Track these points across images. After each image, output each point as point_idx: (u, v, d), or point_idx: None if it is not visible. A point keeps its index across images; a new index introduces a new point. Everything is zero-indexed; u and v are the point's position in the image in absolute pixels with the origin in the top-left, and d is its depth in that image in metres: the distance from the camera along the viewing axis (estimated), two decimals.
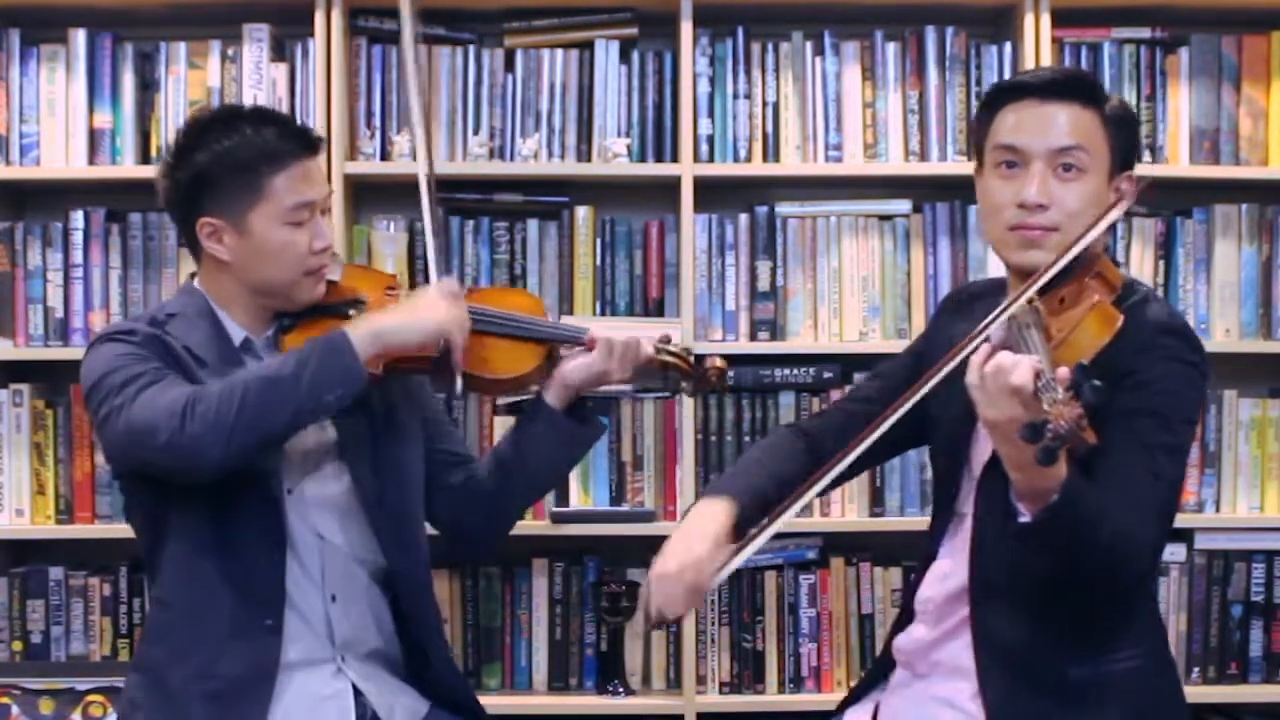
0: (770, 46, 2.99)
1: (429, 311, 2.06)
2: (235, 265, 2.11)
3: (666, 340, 2.26)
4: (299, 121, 2.21)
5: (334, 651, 2.12)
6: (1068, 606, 1.87)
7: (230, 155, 2.08)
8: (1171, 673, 1.99)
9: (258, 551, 2.07)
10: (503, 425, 2.90)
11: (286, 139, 2.11)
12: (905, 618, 2.09)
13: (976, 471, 1.98)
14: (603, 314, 2.95)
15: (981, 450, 1.96)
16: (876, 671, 2.14)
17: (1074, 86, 1.93)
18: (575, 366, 2.20)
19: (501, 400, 2.77)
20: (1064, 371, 1.61)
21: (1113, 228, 2.94)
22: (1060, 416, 1.57)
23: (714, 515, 1.97)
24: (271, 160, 2.08)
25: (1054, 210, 1.89)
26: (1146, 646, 1.92)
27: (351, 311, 2.15)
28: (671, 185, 2.91)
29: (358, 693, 2.12)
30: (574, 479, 2.92)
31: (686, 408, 2.88)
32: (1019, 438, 1.61)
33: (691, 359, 2.25)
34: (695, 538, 1.94)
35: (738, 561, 1.92)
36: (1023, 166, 1.91)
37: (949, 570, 2.00)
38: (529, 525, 2.83)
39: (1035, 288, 1.81)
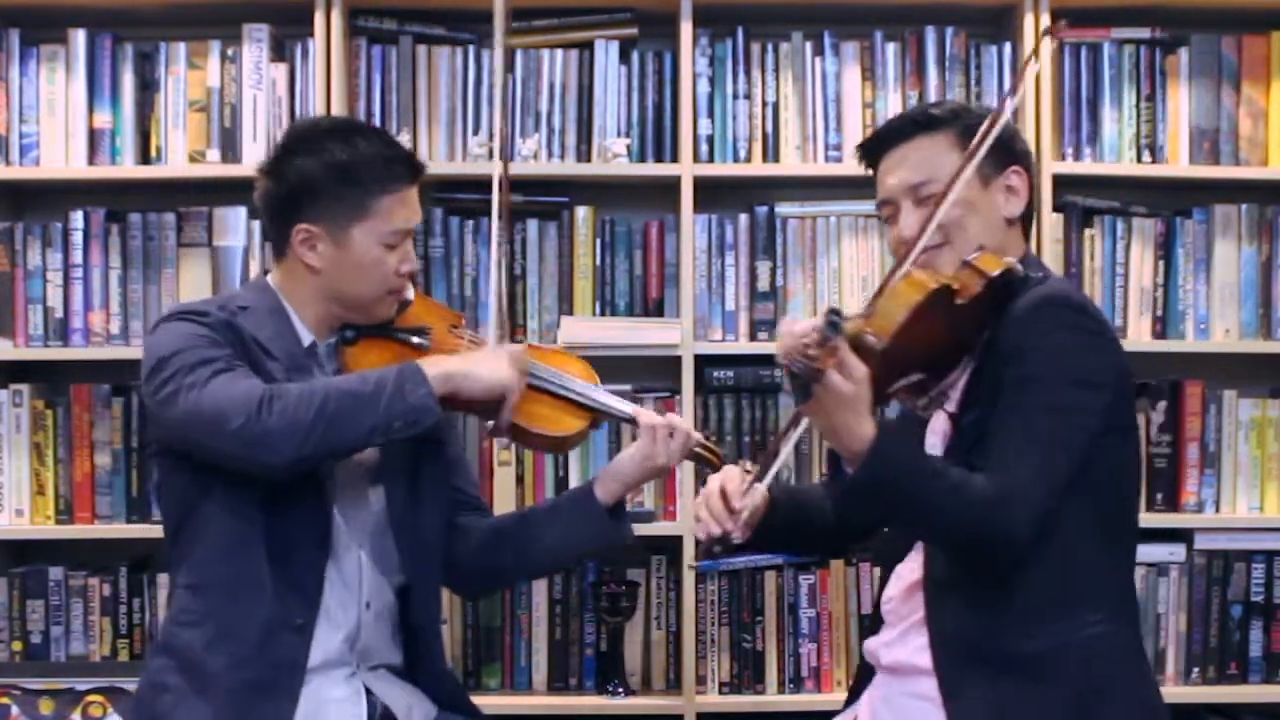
0: (770, 46, 2.99)
1: (496, 368, 2.10)
2: (324, 274, 2.15)
3: (707, 435, 2.37)
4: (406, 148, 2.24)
5: (352, 658, 2.15)
6: (1009, 585, 1.88)
7: (344, 168, 2.12)
8: (1130, 637, 1.97)
9: (302, 551, 2.09)
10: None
11: (398, 163, 2.16)
12: (878, 620, 2.13)
13: None
14: (602, 314, 2.95)
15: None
16: (862, 676, 2.16)
17: (910, 126, 2.05)
18: (626, 458, 2.26)
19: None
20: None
21: (1113, 228, 2.97)
22: (791, 356, 1.71)
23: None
24: (384, 181, 2.13)
25: (934, 233, 1.99)
26: (1104, 613, 1.91)
27: (415, 339, 2.21)
28: (671, 185, 2.91)
29: (368, 694, 2.15)
30: (574, 479, 2.92)
31: (686, 408, 2.88)
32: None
33: (723, 458, 2.33)
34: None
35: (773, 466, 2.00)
36: (897, 213, 2.04)
37: (910, 570, 2.04)
38: None
39: (899, 276, 1.91)
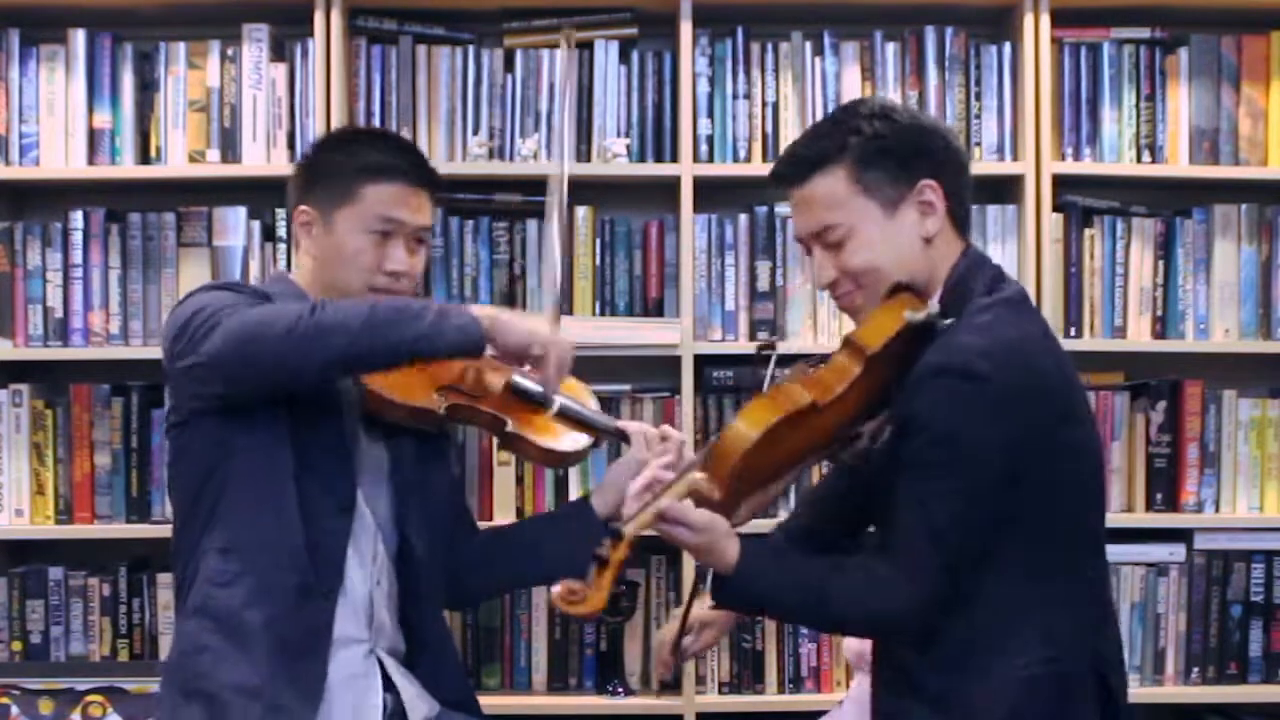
0: (770, 46, 2.99)
1: (538, 322, 2.14)
2: (317, 259, 2.22)
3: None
4: (425, 157, 2.32)
5: (369, 634, 2.17)
6: (943, 624, 1.86)
7: (343, 159, 2.21)
8: (1072, 674, 1.88)
9: (328, 518, 2.11)
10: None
11: (396, 158, 2.22)
12: None
13: None
14: (603, 314, 2.95)
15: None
16: None
17: (803, 167, 1.97)
18: (621, 466, 2.33)
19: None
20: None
21: (1113, 228, 2.97)
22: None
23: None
24: (373, 171, 2.19)
25: (844, 279, 1.97)
26: (1043, 653, 1.85)
27: None
28: (671, 185, 2.91)
29: (384, 677, 2.18)
30: (574, 479, 2.92)
31: (686, 407, 2.88)
32: None
33: None
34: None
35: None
36: (811, 251, 2.01)
37: None
38: None
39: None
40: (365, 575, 2.17)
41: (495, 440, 2.26)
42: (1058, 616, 1.88)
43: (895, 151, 1.93)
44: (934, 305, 1.90)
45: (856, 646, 2.12)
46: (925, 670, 1.88)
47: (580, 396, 2.35)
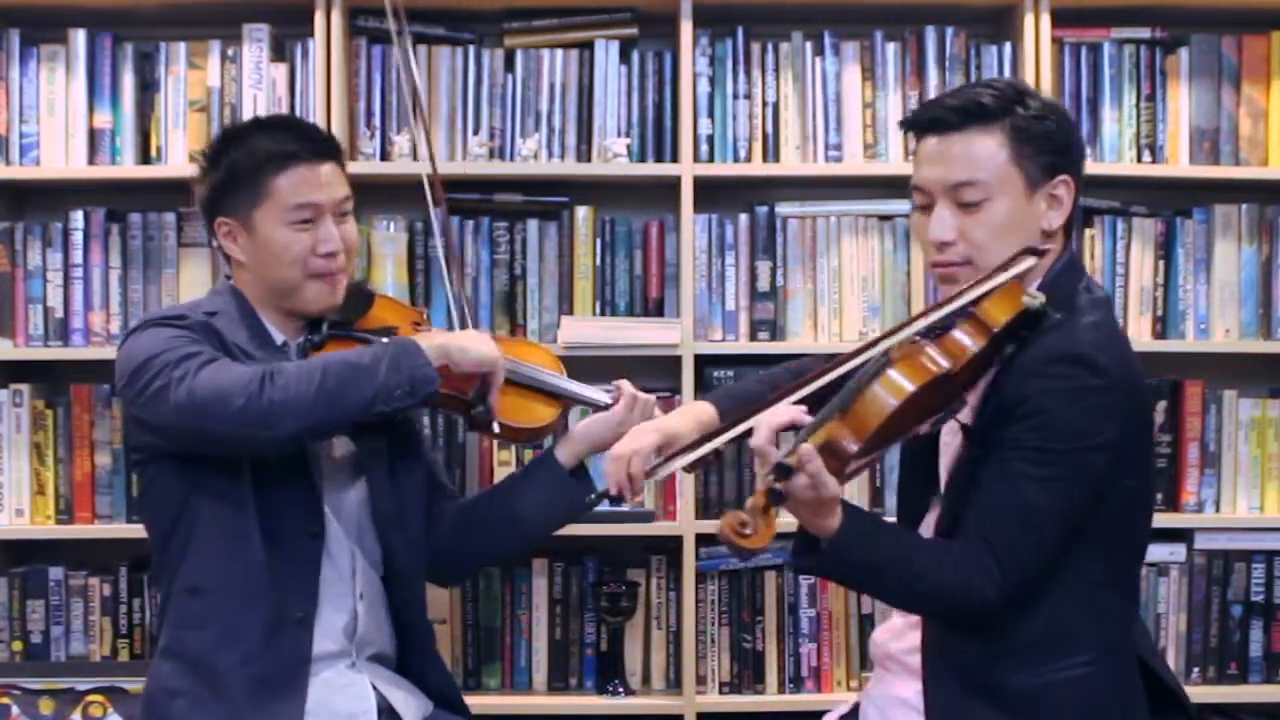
0: (770, 46, 2.99)
1: (484, 343, 2.14)
2: (250, 265, 2.18)
3: None
4: (318, 128, 2.26)
5: (351, 648, 2.17)
6: (1007, 621, 1.85)
7: (243, 159, 2.15)
8: (1121, 670, 1.91)
9: (297, 545, 2.11)
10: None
11: (293, 142, 2.17)
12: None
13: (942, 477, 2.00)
14: (603, 314, 2.95)
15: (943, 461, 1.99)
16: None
17: (963, 115, 1.90)
18: (597, 419, 2.30)
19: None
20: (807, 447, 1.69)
21: (1113, 228, 2.97)
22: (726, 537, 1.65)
23: (700, 410, 2.12)
24: (276, 161, 2.14)
25: (960, 244, 1.91)
26: (1095, 652, 1.87)
27: (383, 340, 2.19)
28: (671, 185, 2.91)
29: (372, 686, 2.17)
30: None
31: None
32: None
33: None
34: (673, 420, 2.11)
35: (689, 457, 1.90)
36: (931, 204, 1.93)
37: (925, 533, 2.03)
38: None
39: (919, 326, 1.84)
40: (346, 590, 2.16)
41: (465, 421, 2.24)
42: (1113, 613, 1.90)
43: (1053, 138, 1.90)
44: (1041, 296, 1.87)
45: (884, 643, 2.07)
46: (991, 667, 1.86)
47: (545, 363, 2.33)
